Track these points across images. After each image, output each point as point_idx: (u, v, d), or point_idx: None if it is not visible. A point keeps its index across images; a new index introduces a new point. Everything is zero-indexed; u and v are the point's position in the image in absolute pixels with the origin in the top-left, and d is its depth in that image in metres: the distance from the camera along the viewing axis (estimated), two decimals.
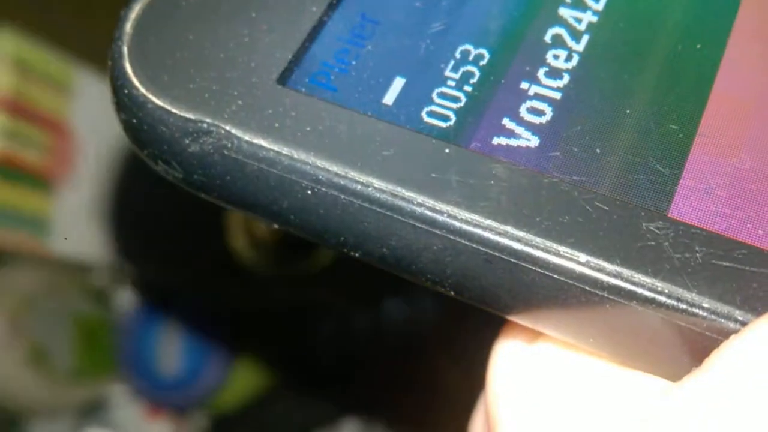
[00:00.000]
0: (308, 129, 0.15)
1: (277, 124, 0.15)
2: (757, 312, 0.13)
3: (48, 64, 0.50)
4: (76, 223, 0.49)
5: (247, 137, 0.15)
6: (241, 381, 0.53)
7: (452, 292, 0.15)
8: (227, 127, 0.15)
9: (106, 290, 0.53)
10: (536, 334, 0.15)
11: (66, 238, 0.48)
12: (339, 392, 0.53)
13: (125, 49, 0.16)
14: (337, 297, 0.53)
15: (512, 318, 0.15)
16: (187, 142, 0.15)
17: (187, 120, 0.15)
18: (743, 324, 0.13)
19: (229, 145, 0.15)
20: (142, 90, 0.15)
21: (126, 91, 0.15)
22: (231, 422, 0.53)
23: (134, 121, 0.15)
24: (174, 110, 0.15)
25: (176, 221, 0.49)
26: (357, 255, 0.15)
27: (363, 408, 0.53)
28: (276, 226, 0.16)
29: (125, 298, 0.53)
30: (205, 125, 0.15)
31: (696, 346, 0.13)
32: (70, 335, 0.49)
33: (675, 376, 0.13)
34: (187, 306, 0.51)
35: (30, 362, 0.48)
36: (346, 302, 0.53)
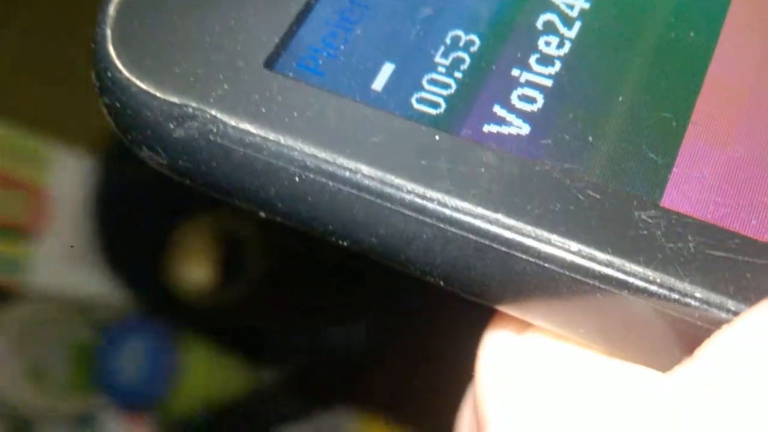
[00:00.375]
0: (296, 114, 0.15)
1: (263, 109, 0.15)
2: (750, 302, 0.13)
3: (22, 141, 0.61)
4: (52, 266, 0.62)
5: (233, 122, 0.15)
6: (194, 386, 0.62)
7: (441, 282, 0.15)
8: (213, 112, 0.15)
9: (94, 317, 0.64)
10: (526, 325, 0.15)
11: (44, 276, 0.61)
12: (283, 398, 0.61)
13: (108, 32, 0.16)
14: (275, 320, 0.62)
15: (502, 308, 0.15)
16: (172, 126, 0.15)
17: (172, 104, 0.15)
18: (736, 314, 0.13)
19: (215, 130, 0.15)
20: (126, 73, 0.15)
21: (109, 75, 0.15)
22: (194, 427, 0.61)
23: (117, 105, 0.15)
24: (158, 94, 0.15)
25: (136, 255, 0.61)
26: (345, 244, 0.15)
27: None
28: (263, 214, 0.15)
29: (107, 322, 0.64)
30: (190, 109, 0.15)
31: (688, 337, 0.13)
32: (64, 355, 0.60)
33: (666, 367, 0.13)
34: (146, 324, 0.62)
35: (29, 378, 0.58)
36: (284, 326, 0.62)
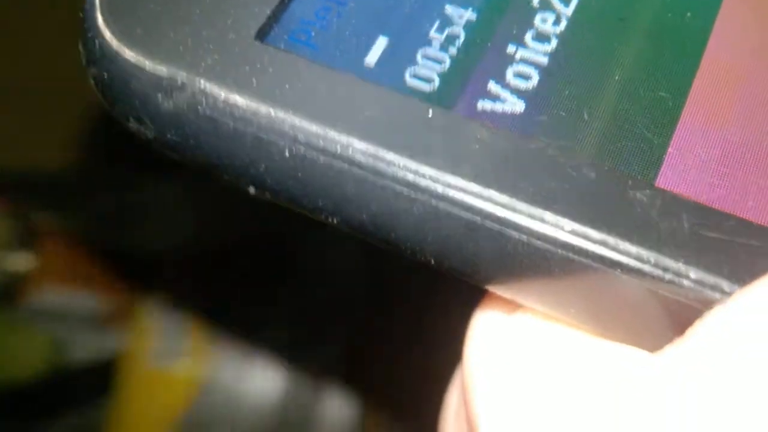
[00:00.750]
0: (287, 87, 0.14)
1: (254, 82, 0.14)
2: (744, 283, 0.12)
3: None
4: None
5: (222, 94, 0.14)
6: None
7: (432, 261, 0.14)
8: (202, 83, 0.14)
9: None
10: (516, 306, 0.15)
11: None
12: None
13: (97, 0, 0.15)
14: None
15: (492, 288, 0.15)
16: (160, 98, 0.14)
17: (161, 75, 0.14)
18: (730, 295, 0.12)
19: (204, 102, 0.14)
20: (114, 42, 0.15)
21: (97, 43, 0.15)
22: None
23: (105, 75, 0.15)
24: (147, 64, 0.14)
25: None
26: (335, 221, 0.15)
27: None
28: (252, 190, 0.15)
29: None
30: (179, 81, 0.14)
31: (681, 318, 0.13)
32: None
33: (658, 348, 0.13)
34: None
35: None
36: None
